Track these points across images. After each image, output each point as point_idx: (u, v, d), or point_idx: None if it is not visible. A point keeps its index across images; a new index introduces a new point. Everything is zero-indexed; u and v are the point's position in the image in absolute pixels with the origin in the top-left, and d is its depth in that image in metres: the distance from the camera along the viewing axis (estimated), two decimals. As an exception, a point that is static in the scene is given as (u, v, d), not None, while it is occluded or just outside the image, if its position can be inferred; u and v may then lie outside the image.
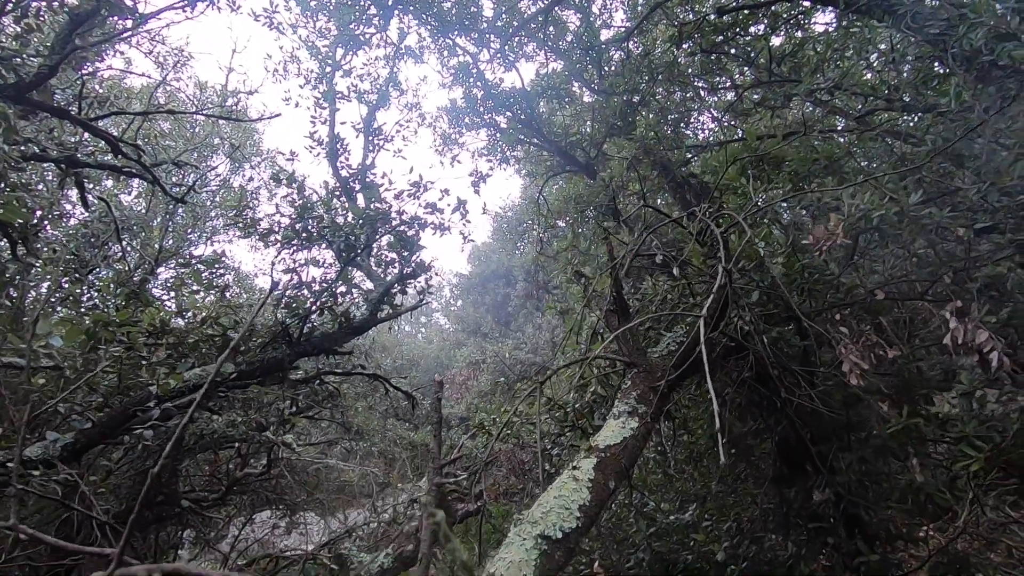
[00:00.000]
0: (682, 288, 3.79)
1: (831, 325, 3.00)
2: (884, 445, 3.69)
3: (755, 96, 5.82)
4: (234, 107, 8.05)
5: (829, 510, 3.98)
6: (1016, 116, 3.01)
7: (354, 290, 5.14)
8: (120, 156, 4.98)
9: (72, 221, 7.40)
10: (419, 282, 5.73)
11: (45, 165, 7.70)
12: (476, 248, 16.16)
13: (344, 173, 5.92)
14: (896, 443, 3.62)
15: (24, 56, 4.56)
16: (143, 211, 8.65)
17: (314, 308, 4.47)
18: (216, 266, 5.60)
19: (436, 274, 6.02)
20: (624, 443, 1.83)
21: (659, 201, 6.14)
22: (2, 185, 4.33)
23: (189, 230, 9.26)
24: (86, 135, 6.14)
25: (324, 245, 4.96)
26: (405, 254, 5.32)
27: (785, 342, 3.61)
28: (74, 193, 8.72)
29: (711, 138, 6.54)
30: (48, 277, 6.78)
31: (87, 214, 7.35)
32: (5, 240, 4.69)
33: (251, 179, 8.23)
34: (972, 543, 4.15)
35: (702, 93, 6.23)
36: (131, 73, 6.96)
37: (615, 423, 1.93)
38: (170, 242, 8.68)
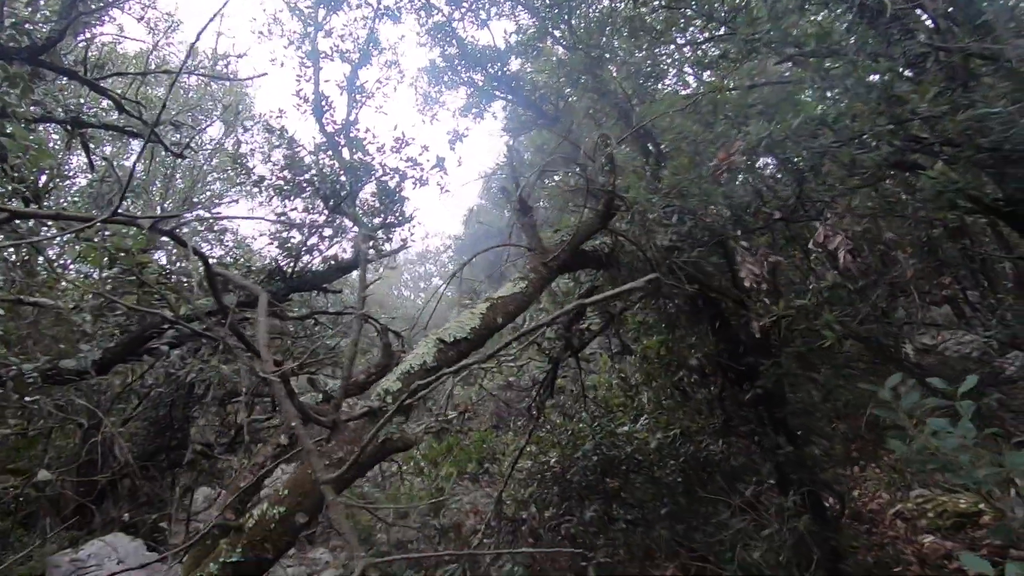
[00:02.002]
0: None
1: (736, 242, 3.62)
2: (799, 353, 4.37)
3: (715, 51, 6.34)
4: (224, 69, 8.62)
5: (756, 412, 4.70)
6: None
7: (341, 234, 5.81)
8: (123, 114, 5.59)
9: (79, 182, 8.06)
10: (405, 231, 6.40)
11: (50, 130, 8.32)
12: (470, 211, 16.80)
13: (330, 129, 6.51)
14: (806, 349, 4.32)
15: (34, 23, 5.13)
16: (142, 174, 9.30)
17: (304, 247, 5.14)
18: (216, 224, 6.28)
19: (419, 223, 6.63)
20: (513, 296, 2.54)
21: (625, 149, 6.71)
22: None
23: (188, 193, 9.90)
24: (86, 99, 6.74)
25: (312, 193, 5.61)
26: (388, 203, 5.97)
27: (712, 264, 4.25)
28: (75, 159, 9.36)
29: (677, 92, 7.06)
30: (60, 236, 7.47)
31: (92, 175, 8.01)
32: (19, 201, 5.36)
33: (244, 143, 8.83)
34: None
35: (668, 48, 6.74)
36: (125, 37, 7.51)
37: (510, 284, 2.63)
38: (169, 204, 9.35)
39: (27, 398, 4.01)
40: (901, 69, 3.43)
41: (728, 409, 5.02)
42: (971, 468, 1.71)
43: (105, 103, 6.21)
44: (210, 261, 1.80)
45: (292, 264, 5.17)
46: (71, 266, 6.37)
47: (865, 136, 3.35)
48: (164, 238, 4.79)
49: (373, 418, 1.84)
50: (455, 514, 5.24)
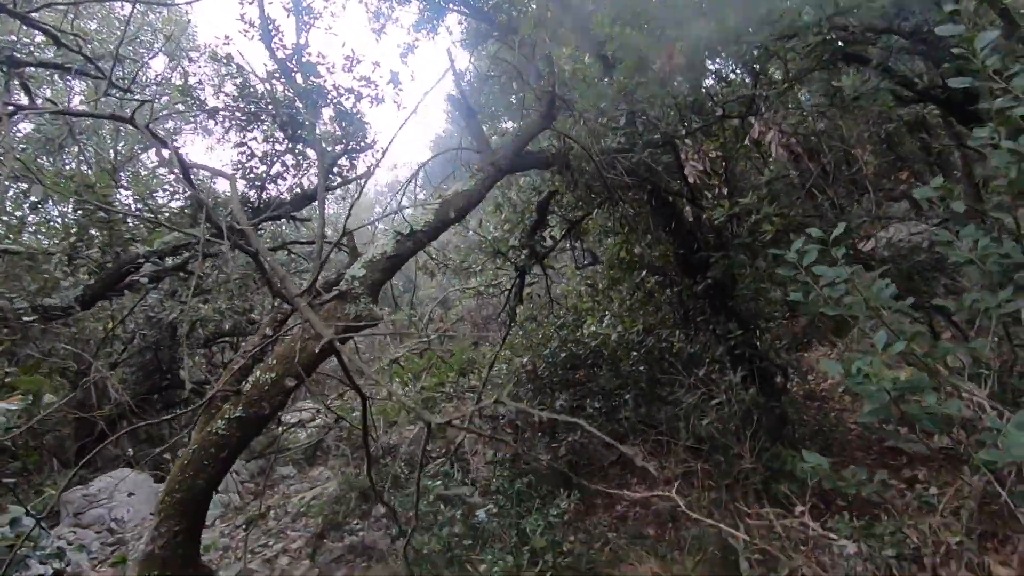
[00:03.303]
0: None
1: (682, 140, 3.88)
2: (746, 244, 4.78)
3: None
4: (161, -3, 8.22)
5: (710, 302, 5.17)
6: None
7: (304, 162, 5.93)
8: (61, 49, 5.48)
9: (23, 128, 7.89)
10: (369, 157, 6.50)
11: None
12: (437, 137, 16.60)
13: (280, 55, 6.43)
14: (752, 240, 4.72)
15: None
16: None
17: (268, 177, 5.29)
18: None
19: (380, 150, 6.71)
20: (463, 193, 2.85)
21: (587, 58, 6.77)
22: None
23: (140, 135, 9.69)
24: (19, 36, 6.50)
25: (270, 121, 5.67)
26: (347, 127, 6.04)
27: (663, 164, 4.54)
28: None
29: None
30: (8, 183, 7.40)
31: (36, 119, 7.83)
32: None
33: (192, 75, 8.58)
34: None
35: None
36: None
37: (461, 183, 2.92)
38: (122, 145, 9.19)
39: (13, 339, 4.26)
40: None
41: (685, 303, 5.50)
42: (843, 300, 2.12)
43: (39, 38, 6.03)
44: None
45: (258, 195, 5.33)
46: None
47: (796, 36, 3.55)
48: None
49: (343, 298, 2.17)
50: (441, 418, 5.76)
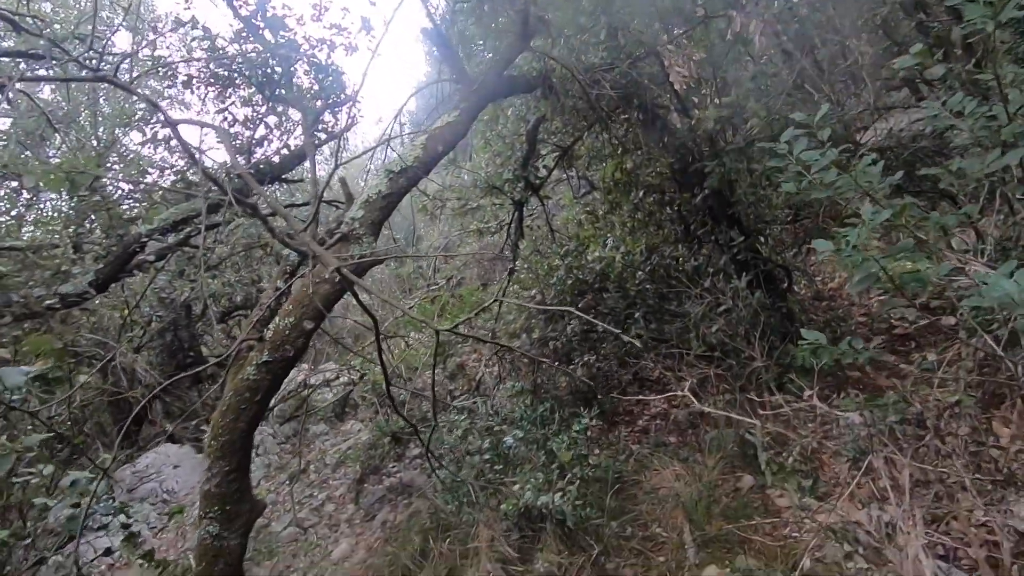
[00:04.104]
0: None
1: (666, 48, 3.81)
2: (739, 149, 4.75)
3: None
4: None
5: (710, 213, 5.20)
6: None
7: (287, 123, 5.87)
8: (21, 34, 5.34)
9: (-1, 124, 7.81)
10: (351, 109, 6.40)
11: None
12: (420, 84, 16.19)
13: (244, 12, 6.24)
14: (745, 143, 4.69)
15: None
16: (64, 104, 8.94)
17: (253, 141, 5.27)
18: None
19: (361, 100, 6.62)
20: (449, 126, 2.88)
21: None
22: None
23: (116, 119, 9.55)
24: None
25: (245, 84, 5.58)
26: (324, 79, 5.93)
27: (648, 76, 4.47)
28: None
29: None
30: None
31: (10, 113, 7.74)
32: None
33: (158, 46, 8.35)
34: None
35: None
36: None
37: (446, 116, 2.94)
38: (102, 131, 9.10)
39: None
40: None
41: (685, 217, 5.53)
42: (833, 182, 2.16)
43: (-3, 27, 5.88)
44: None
45: (246, 160, 5.33)
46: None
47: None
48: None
49: (346, 240, 2.26)
50: (458, 358, 5.98)
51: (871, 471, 2.57)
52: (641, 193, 5.65)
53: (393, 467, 6.20)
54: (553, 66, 3.62)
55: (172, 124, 1.93)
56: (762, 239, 5.27)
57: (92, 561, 5.54)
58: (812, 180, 2.20)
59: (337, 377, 9.40)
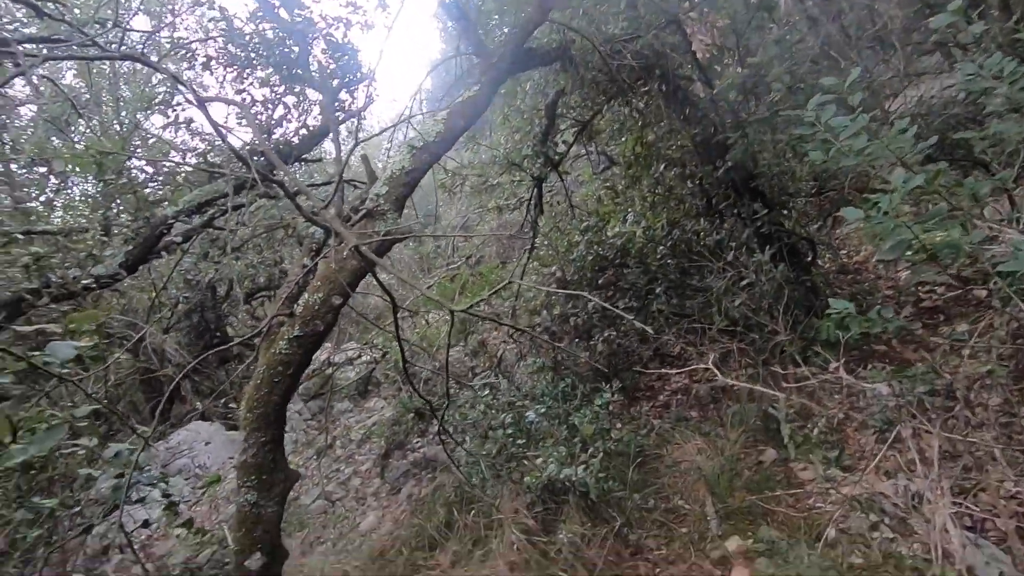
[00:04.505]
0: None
1: (686, 14, 3.71)
2: (763, 119, 4.65)
3: None
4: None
5: (733, 186, 5.13)
6: None
7: (304, 102, 5.89)
8: (44, 19, 5.41)
9: (26, 113, 7.97)
10: (368, 88, 6.40)
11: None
12: (434, 62, 16.05)
13: (260, -9, 6.23)
14: (770, 113, 4.58)
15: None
16: (85, 90, 9.08)
17: (272, 121, 5.30)
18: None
19: (375, 81, 6.61)
20: (469, 99, 2.86)
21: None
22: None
23: (137, 104, 9.68)
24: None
25: (263, 65, 5.60)
26: (340, 57, 5.92)
27: (670, 46, 4.37)
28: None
29: None
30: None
31: (37, 100, 7.89)
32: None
33: (176, 28, 8.41)
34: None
35: None
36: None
37: (466, 91, 2.93)
38: (124, 115, 9.23)
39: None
40: None
41: (707, 190, 5.46)
42: (863, 149, 2.12)
43: (20, 14, 5.97)
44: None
45: (266, 140, 5.37)
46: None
47: None
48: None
49: (371, 217, 2.29)
50: (479, 335, 6.04)
51: (898, 442, 2.56)
52: (662, 167, 5.58)
53: (417, 443, 6.33)
54: (573, 38, 3.56)
55: (200, 102, 1.96)
56: (786, 212, 5.19)
57: (131, 532, 5.80)
58: (841, 148, 2.15)
59: (359, 356, 9.58)
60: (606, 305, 2.36)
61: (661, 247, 5.23)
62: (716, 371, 2.89)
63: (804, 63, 3.98)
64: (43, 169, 7.34)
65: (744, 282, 4.54)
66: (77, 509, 2.85)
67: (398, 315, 2.20)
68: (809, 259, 5.10)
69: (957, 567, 1.95)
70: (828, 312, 2.36)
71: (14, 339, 2.63)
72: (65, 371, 1.77)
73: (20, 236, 4.35)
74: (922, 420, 2.28)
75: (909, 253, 2.15)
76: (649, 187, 5.90)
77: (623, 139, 5.28)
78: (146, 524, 5.17)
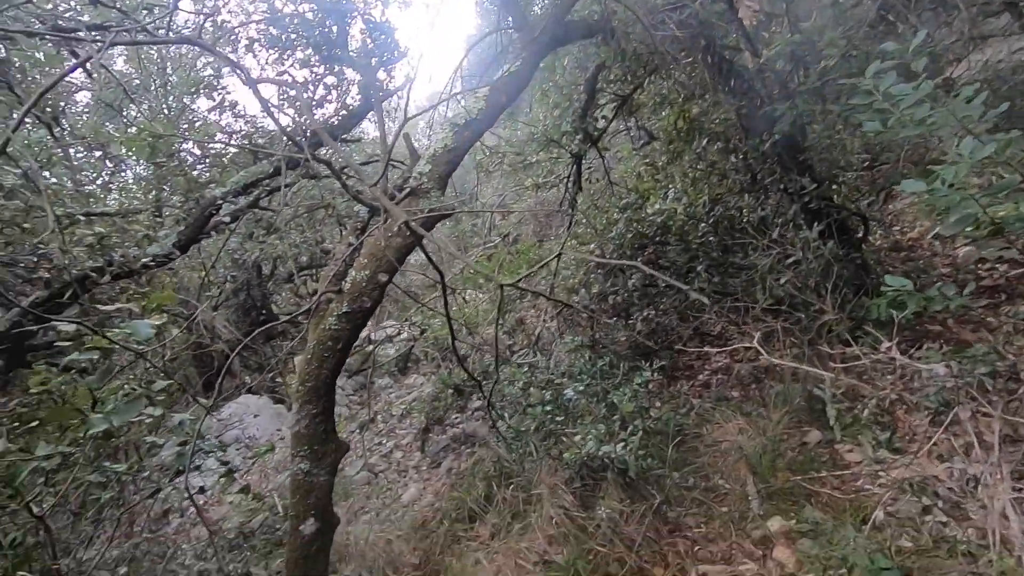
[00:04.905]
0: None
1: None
2: (814, 88, 4.45)
3: None
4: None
5: (780, 160, 4.95)
6: None
7: (344, 82, 5.96)
8: (98, 7, 5.61)
9: (81, 99, 8.31)
10: (406, 67, 6.41)
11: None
12: (469, 38, 15.90)
13: (299, -29, 6.28)
14: (820, 83, 4.38)
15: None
16: (135, 75, 9.39)
17: (313, 101, 5.39)
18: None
19: (411, 60, 6.61)
20: (512, 75, 2.83)
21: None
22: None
23: (183, 88, 9.95)
24: (52, 5, 6.68)
25: (303, 46, 5.67)
26: (379, 36, 5.94)
27: (716, 15, 4.20)
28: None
29: None
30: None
31: (92, 86, 8.21)
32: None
33: (219, 11, 8.57)
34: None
35: None
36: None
37: (508, 67, 2.90)
38: (171, 99, 9.52)
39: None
40: None
41: (752, 166, 5.28)
42: (925, 118, 2.01)
43: (73, 1, 6.19)
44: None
45: (307, 121, 5.47)
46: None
47: None
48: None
49: (415, 195, 2.32)
50: (517, 313, 6.08)
51: (954, 425, 2.47)
52: (704, 141, 5.42)
53: (456, 418, 6.46)
54: (614, 8, 3.47)
55: (252, 83, 2.02)
56: (836, 186, 4.98)
57: (188, 498, 6.17)
58: (901, 117, 2.05)
59: (399, 333, 9.80)
60: (656, 274, 2.32)
61: (703, 224, 5.11)
62: (760, 350, 2.83)
63: (860, 28, 3.77)
64: (99, 153, 7.68)
65: (790, 259, 4.41)
66: (145, 474, 3.05)
67: (446, 292, 2.24)
68: (860, 236, 4.90)
69: (1016, 553, 1.89)
70: (882, 290, 2.27)
71: (84, 316, 2.79)
72: (141, 347, 1.88)
73: (82, 217, 4.58)
74: (982, 402, 2.20)
75: (970, 228, 2.05)
76: (691, 162, 5.76)
77: (664, 113, 5.14)
78: (202, 490, 5.48)
